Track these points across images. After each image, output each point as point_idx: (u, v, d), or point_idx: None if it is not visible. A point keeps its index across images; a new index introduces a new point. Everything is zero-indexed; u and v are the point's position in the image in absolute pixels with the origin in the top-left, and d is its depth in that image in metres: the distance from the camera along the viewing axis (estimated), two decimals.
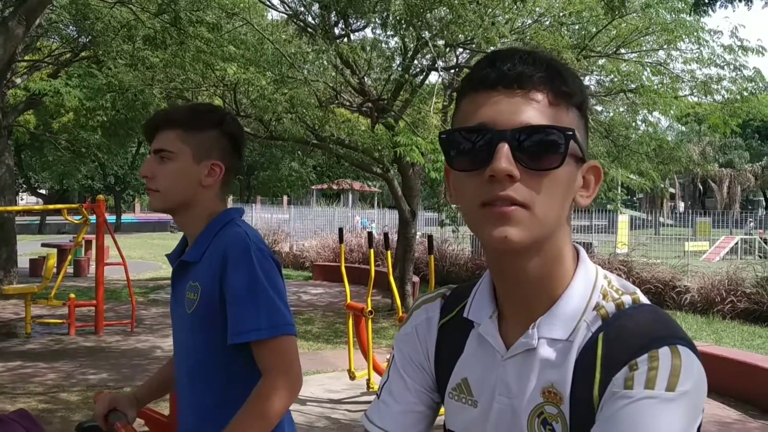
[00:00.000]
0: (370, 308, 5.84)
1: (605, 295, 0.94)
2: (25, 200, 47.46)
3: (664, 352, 0.83)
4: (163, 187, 1.73)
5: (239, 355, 1.65)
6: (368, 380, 5.85)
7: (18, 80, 13.87)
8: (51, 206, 13.12)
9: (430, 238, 5.82)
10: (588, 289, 0.94)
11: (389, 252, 6.38)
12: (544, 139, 0.86)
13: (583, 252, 0.98)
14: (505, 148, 0.84)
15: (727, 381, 6.45)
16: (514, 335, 0.96)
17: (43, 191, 41.52)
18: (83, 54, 13.40)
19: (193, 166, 1.72)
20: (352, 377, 6.10)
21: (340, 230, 6.94)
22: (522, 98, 0.87)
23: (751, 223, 28.24)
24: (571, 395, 0.89)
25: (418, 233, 12.21)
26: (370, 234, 6.53)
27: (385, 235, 6.40)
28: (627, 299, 0.92)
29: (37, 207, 17.30)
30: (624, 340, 0.86)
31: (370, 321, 5.90)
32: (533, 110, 0.87)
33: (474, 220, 0.89)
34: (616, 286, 0.96)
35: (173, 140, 1.72)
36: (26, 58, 14.15)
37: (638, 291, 0.95)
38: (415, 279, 11.62)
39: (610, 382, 0.84)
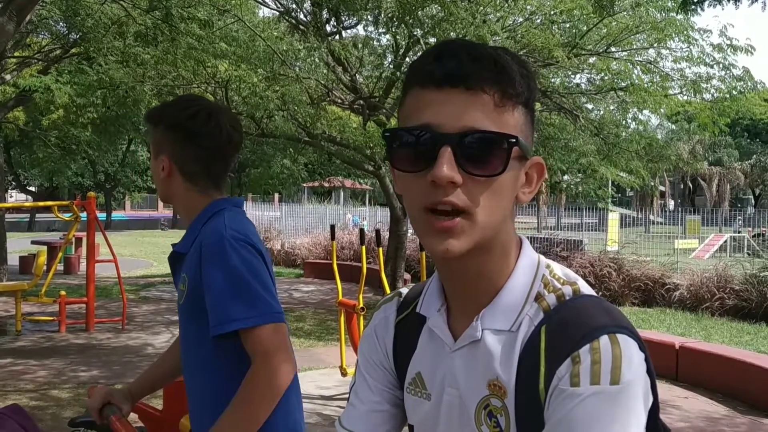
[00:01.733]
0: (362, 305, 5.85)
1: (546, 284, 0.95)
2: (15, 197, 47.18)
3: (604, 341, 0.84)
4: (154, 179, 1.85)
5: (230, 346, 1.64)
6: None
7: (7, 76, 13.78)
8: (42, 203, 13.06)
9: None
10: (529, 279, 0.95)
11: (381, 249, 6.39)
12: (487, 146, 0.86)
13: (525, 242, 0.99)
14: (447, 153, 0.84)
15: (716, 377, 6.51)
16: (462, 328, 0.97)
17: (32, 188, 41.27)
18: (74, 50, 13.31)
19: (153, 163, 1.82)
20: (344, 374, 6.11)
21: (332, 227, 6.94)
22: (468, 99, 0.86)
23: (739, 222, 28.40)
24: (516, 389, 0.90)
25: (410, 231, 12.22)
26: (361, 231, 6.54)
27: (377, 232, 6.41)
28: (567, 290, 0.93)
29: (27, 204, 17.23)
30: (565, 331, 0.87)
31: (361, 318, 5.92)
32: (479, 113, 0.85)
33: (417, 224, 0.90)
34: (558, 275, 0.96)
35: (148, 134, 1.86)
36: (16, 54, 14.06)
37: (579, 280, 0.96)
38: (407, 276, 11.64)
39: (554, 375, 0.85)
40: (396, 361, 1.10)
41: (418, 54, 10.23)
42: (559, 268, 0.98)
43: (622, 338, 0.85)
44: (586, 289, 0.95)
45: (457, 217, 0.86)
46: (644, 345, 0.89)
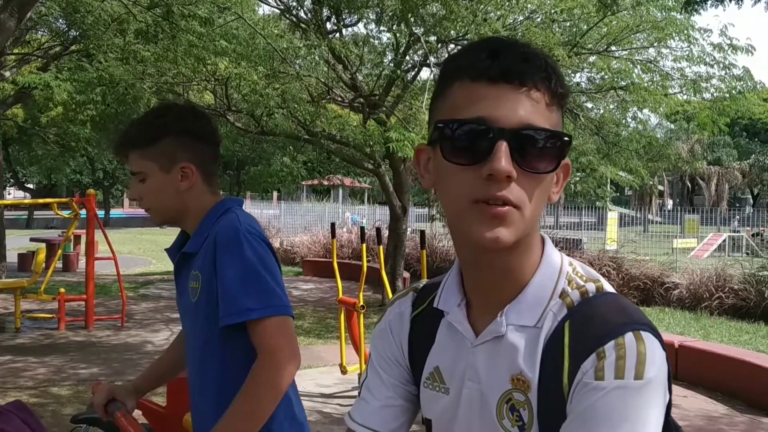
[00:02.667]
0: (362, 303, 5.86)
1: (570, 281, 0.96)
2: (13, 195, 47.10)
3: (629, 338, 0.86)
4: (151, 205, 1.78)
5: (243, 339, 1.66)
6: (360, 375, 5.87)
7: (7, 73, 13.76)
8: (41, 200, 13.04)
9: (422, 233, 5.85)
10: (554, 276, 0.96)
11: (381, 247, 6.39)
12: (543, 143, 0.87)
13: (548, 240, 1.00)
14: (504, 147, 0.85)
15: (715, 376, 6.52)
16: (483, 323, 0.98)
17: (30, 186, 41.22)
18: (73, 47, 13.30)
19: (165, 178, 1.74)
20: (344, 372, 6.12)
21: (332, 225, 6.94)
22: (521, 96, 0.87)
23: (736, 222, 28.36)
24: (540, 383, 0.91)
25: (409, 229, 12.23)
26: (362, 229, 6.55)
27: (378, 230, 6.41)
28: (591, 287, 0.95)
29: (27, 201, 17.20)
30: (590, 327, 0.89)
31: (361, 316, 5.92)
32: (532, 110, 0.87)
33: (462, 215, 0.89)
34: (581, 273, 0.98)
35: (137, 161, 1.74)
36: (15, 51, 14.04)
37: (602, 279, 0.98)
38: (406, 275, 11.64)
39: (579, 370, 0.87)
40: (411, 356, 1.10)
41: (418, 52, 10.26)
42: (581, 266, 1.00)
43: (646, 336, 0.87)
44: (608, 287, 0.97)
45: (507, 206, 0.87)
46: (664, 343, 0.90)
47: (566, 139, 0.88)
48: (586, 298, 0.94)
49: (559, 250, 1.01)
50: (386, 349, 1.13)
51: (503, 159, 0.84)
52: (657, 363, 0.86)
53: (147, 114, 1.82)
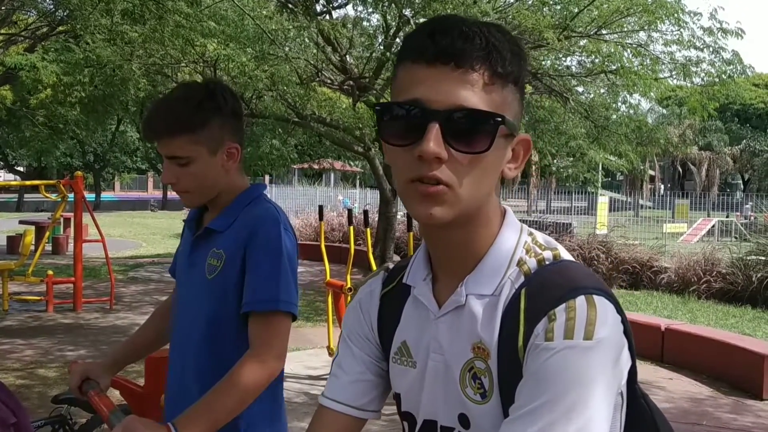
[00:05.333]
0: (349, 285, 5.86)
1: (528, 250, 0.98)
2: (3, 177, 46.83)
3: (580, 301, 0.87)
4: (192, 187, 1.73)
5: (244, 326, 1.68)
6: None
7: None
8: (28, 182, 12.97)
9: (409, 216, 5.85)
10: (512, 246, 0.98)
11: (368, 230, 6.39)
12: (474, 124, 0.88)
13: (509, 212, 1.02)
14: (435, 129, 0.86)
15: (701, 359, 6.58)
16: (447, 295, 1.00)
17: (20, 168, 40.97)
18: (60, 28, 13.17)
19: (212, 160, 1.71)
20: (332, 354, 6.13)
21: (320, 208, 6.94)
22: (458, 76, 0.87)
23: (749, 205, 27.90)
24: (498, 350, 0.93)
25: (399, 213, 12.23)
26: (350, 212, 6.55)
27: (365, 212, 6.41)
28: (548, 255, 0.97)
29: (14, 183, 17.09)
30: (544, 292, 0.90)
31: (349, 298, 5.93)
32: (468, 91, 0.87)
33: (403, 194, 0.92)
34: (539, 242, 1.00)
35: (185, 146, 1.67)
36: (2, 31, 13.90)
37: (560, 247, 0.99)
38: (396, 258, 11.66)
39: (532, 333, 0.88)
40: (381, 332, 1.12)
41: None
42: (541, 236, 1.02)
43: (598, 299, 0.88)
44: (566, 254, 0.98)
45: (440, 185, 0.88)
46: (621, 309, 0.91)
47: (499, 119, 0.88)
48: (543, 266, 0.95)
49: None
50: (357, 326, 1.15)
51: (432, 141, 0.86)
52: (609, 324, 0.86)
53: (190, 95, 1.71)
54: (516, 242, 0.98)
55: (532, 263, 0.96)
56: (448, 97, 0.87)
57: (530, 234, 1.01)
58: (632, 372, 0.94)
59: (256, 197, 1.79)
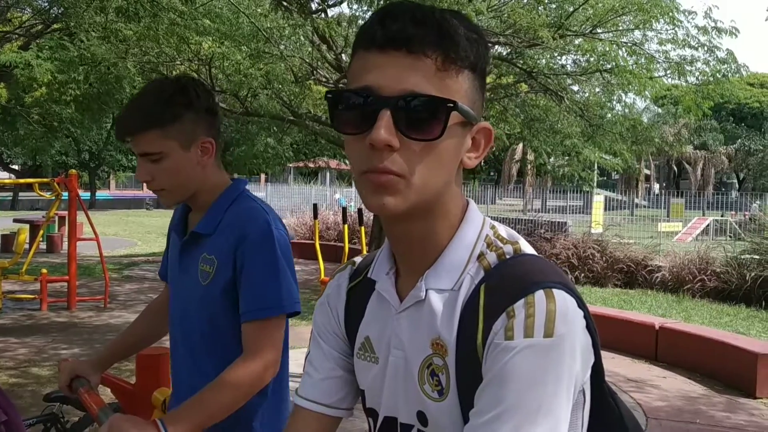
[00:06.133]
0: None
1: (490, 244, 0.95)
2: None
3: (539, 296, 0.85)
4: (167, 184, 1.69)
5: (239, 331, 1.67)
6: None
7: None
8: (23, 180, 12.91)
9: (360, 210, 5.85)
10: (472, 240, 0.95)
11: (363, 228, 6.39)
12: (425, 110, 0.85)
13: (472, 204, 1.00)
14: (386, 116, 0.84)
15: (695, 357, 6.59)
16: (408, 290, 0.98)
17: (15, 167, 40.84)
18: (55, 26, 13.11)
19: (185, 156, 1.68)
20: None
21: (315, 206, 6.94)
22: (410, 62, 0.85)
23: (757, 205, 27.67)
24: (457, 347, 0.91)
25: None
26: (344, 210, 6.55)
27: (359, 211, 6.41)
28: (509, 249, 0.94)
29: (7, 181, 17.02)
30: (503, 288, 0.88)
31: None
32: (419, 76, 0.85)
33: (357, 185, 0.90)
34: (501, 235, 0.97)
35: (155, 141, 1.65)
36: None
37: (521, 240, 0.97)
38: None
39: (491, 330, 0.86)
40: (347, 327, 1.10)
41: None
42: (503, 229, 0.99)
43: (557, 293, 0.86)
44: (527, 248, 0.96)
45: (391, 174, 0.86)
46: (584, 303, 0.89)
47: (450, 104, 0.86)
48: (503, 260, 0.93)
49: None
50: (325, 322, 1.13)
51: (382, 128, 0.83)
52: (569, 320, 0.84)
53: (161, 90, 1.70)
54: (477, 236, 0.96)
55: (492, 258, 0.93)
56: (400, 83, 0.84)
57: (492, 227, 0.98)
58: (599, 369, 0.92)
59: (239, 195, 1.75)
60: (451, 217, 0.96)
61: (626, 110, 11.49)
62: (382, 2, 8.52)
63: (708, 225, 22.40)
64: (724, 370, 6.28)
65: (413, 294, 0.96)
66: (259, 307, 1.62)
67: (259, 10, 8.87)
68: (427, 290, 0.95)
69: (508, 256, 0.93)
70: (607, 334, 6.21)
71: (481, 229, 0.97)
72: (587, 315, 0.88)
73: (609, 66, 9.32)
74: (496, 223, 1.00)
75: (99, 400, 1.67)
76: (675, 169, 52.98)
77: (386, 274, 1.02)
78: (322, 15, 9.92)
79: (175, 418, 1.48)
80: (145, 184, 1.73)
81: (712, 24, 8.92)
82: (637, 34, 9.27)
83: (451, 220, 0.96)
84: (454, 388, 0.91)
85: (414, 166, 0.86)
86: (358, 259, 1.15)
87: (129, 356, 2.03)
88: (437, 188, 0.90)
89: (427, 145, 0.86)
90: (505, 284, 0.89)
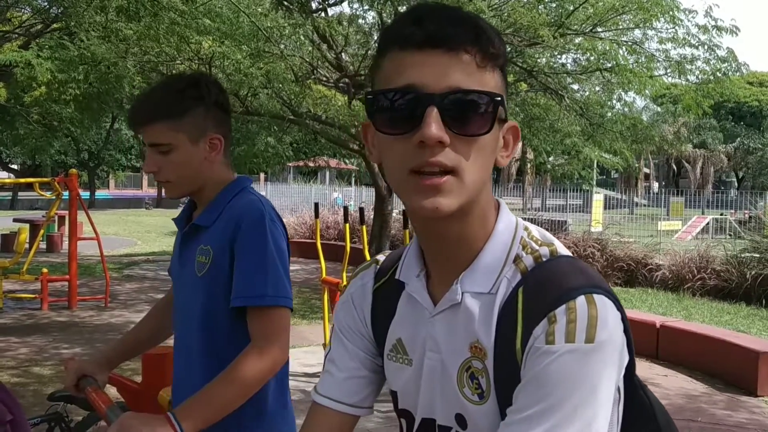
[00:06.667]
0: (345, 283, 5.85)
1: (525, 246, 0.95)
2: None
3: (580, 302, 0.85)
4: (173, 177, 1.72)
5: (243, 320, 1.67)
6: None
7: None
8: (22, 180, 12.91)
9: (405, 213, 5.85)
10: (507, 242, 0.95)
11: (364, 227, 6.39)
12: (473, 105, 0.85)
13: (503, 205, 1.00)
14: (434, 113, 0.83)
15: (696, 355, 6.60)
16: (441, 292, 0.97)
17: (15, 166, 40.82)
18: (55, 25, 13.11)
19: (193, 149, 1.70)
20: None
21: (316, 205, 6.93)
22: (449, 59, 0.85)
23: (763, 202, 27.57)
24: (495, 350, 0.91)
25: (395, 210, 12.23)
26: (345, 209, 6.54)
27: (361, 210, 6.40)
28: (545, 251, 0.94)
29: (8, 180, 16.99)
30: (542, 292, 0.88)
31: None
32: (462, 73, 0.85)
33: (402, 186, 0.89)
34: (536, 237, 0.97)
35: (165, 132, 1.67)
36: None
37: (556, 242, 0.97)
38: None
39: (531, 335, 0.86)
40: (374, 328, 1.10)
41: None
42: (536, 230, 0.99)
43: (598, 298, 0.86)
44: (563, 250, 0.96)
45: (446, 175, 0.86)
46: (620, 304, 0.90)
47: (498, 98, 0.87)
48: (539, 263, 0.93)
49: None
50: (350, 322, 1.12)
51: (433, 125, 0.83)
52: (610, 326, 0.85)
53: (173, 83, 1.74)
54: (512, 238, 0.96)
55: (528, 261, 0.93)
56: (444, 80, 0.84)
57: (526, 228, 0.98)
58: (631, 366, 0.93)
59: (241, 190, 1.76)
60: (486, 217, 0.96)
61: (626, 109, 11.48)
62: (382, 1, 8.53)
63: (707, 223, 22.40)
64: (725, 368, 6.28)
65: (448, 297, 0.96)
66: (246, 295, 1.63)
67: (259, 9, 8.85)
68: (463, 293, 0.94)
69: (544, 259, 0.93)
70: None
71: (515, 230, 0.97)
72: (624, 317, 0.89)
73: (609, 65, 9.30)
74: (528, 224, 1.00)
75: (107, 399, 1.68)
76: (674, 167, 53.00)
77: (416, 276, 1.01)
78: (323, 14, 9.94)
79: (186, 412, 1.48)
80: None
81: (713, 23, 8.91)
82: (638, 32, 9.25)
83: (486, 221, 0.96)
84: (493, 391, 0.92)
85: (464, 161, 0.86)
86: (381, 257, 1.15)
87: (136, 355, 2.03)
88: (481, 185, 0.90)
89: (473, 141, 0.87)
90: (544, 288, 0.89)
